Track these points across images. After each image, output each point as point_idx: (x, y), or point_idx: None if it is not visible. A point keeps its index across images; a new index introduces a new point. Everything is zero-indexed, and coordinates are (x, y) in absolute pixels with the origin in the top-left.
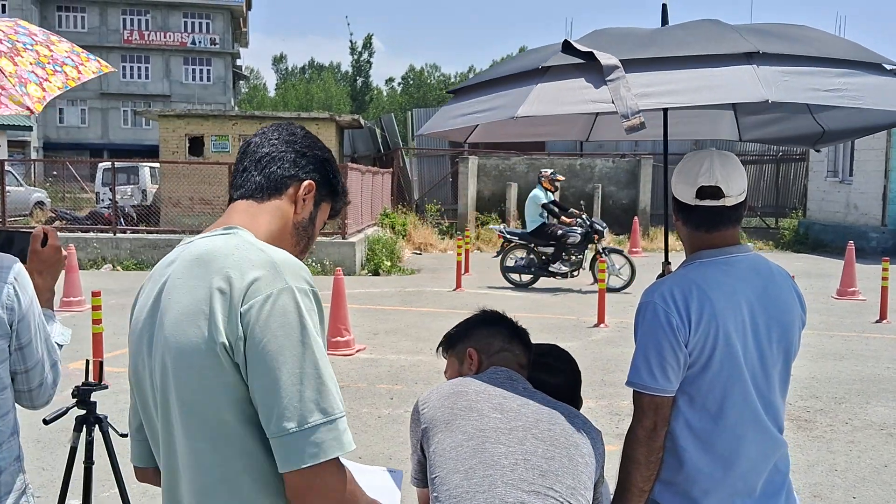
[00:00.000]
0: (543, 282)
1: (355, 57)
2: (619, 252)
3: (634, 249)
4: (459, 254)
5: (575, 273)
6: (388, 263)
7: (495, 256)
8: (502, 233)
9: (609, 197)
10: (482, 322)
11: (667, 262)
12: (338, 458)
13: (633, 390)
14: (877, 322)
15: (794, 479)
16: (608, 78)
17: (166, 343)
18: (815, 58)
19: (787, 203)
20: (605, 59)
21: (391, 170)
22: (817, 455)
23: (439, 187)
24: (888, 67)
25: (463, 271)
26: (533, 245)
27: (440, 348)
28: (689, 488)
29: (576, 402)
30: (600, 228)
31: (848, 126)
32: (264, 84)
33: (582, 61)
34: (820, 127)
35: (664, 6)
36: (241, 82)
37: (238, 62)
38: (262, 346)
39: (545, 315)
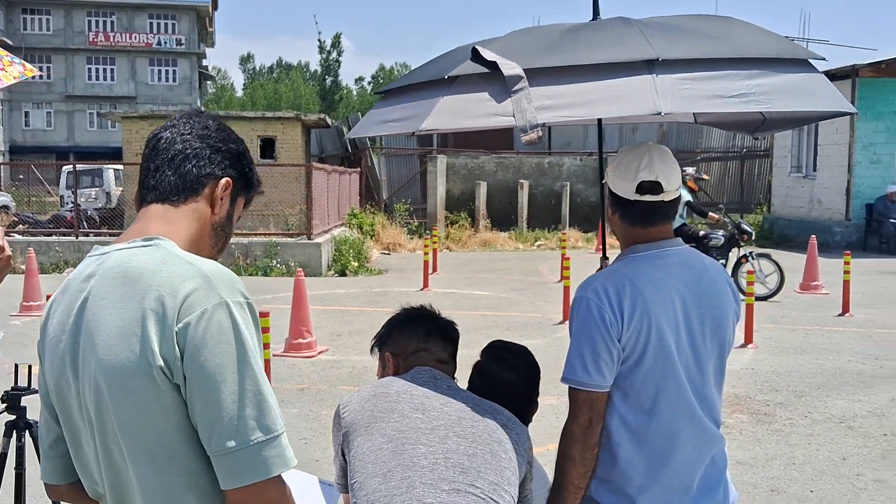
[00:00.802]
0: None
1: (324, 56)
2: (767, 256)
3: (601, 247)
4: (426, 253)
5: None
6: (356, 264)
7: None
8: None
9: (577, 195)
10: (401, 323)
11: (604, 258)
12: (281, 475)
13: (569, 387)
14: (839, 315)
15: (753, 472)
16: (511, 89)
17: (98, 366)
18: (725, 59)
19: (752, 199)
20: (508, 69)
21: (359, 169)
22: (776, 449)
23: (408, 187)
24: (814, 63)
25: (431, 271)
26: None
27: (372, 350)
28: (624, 485)
29: (531, 401)
30: (748, 230)
31: (786, 116)
32: (231, 84)
33: (488, 71)
34: (760, 115)
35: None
36: (207, 83)
37: (204, 62)
38: (200, 365)
39: (511, 313)
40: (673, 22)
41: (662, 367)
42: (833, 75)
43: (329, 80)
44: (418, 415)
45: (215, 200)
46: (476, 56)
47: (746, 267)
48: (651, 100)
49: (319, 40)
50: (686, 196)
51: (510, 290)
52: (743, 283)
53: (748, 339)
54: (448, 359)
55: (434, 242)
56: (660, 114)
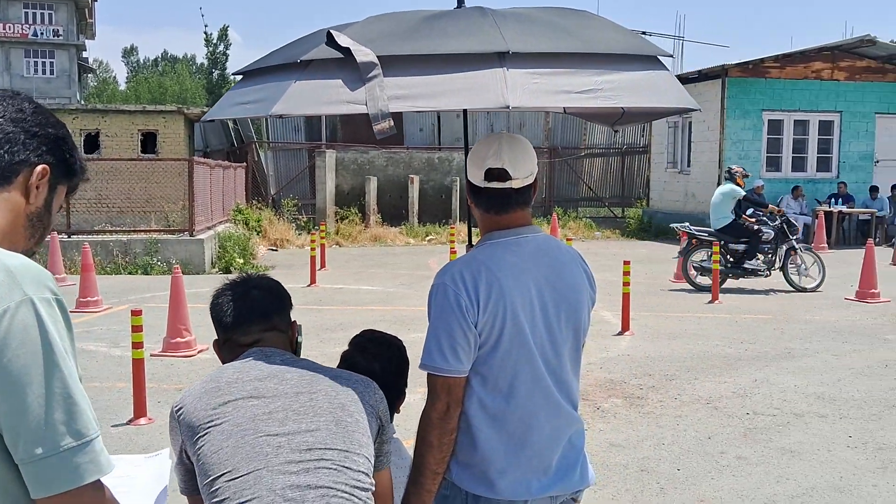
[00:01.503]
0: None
1: (210, 49)
2: (811, 250)
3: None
4: (313, 248)
5: (768, 273)
6: (241, 261)
7: (678, 256)
8: (687, 230)
9: None
10: (211, 313)
11: (470, 245)
12: (98, 480)
13: (427, 373)
14: (709, 303)
15: (624, 454)
16: (365, 77)
17: None
18: (575, 54)
19: (633, 193)
20: (362, 55)
21: (245, 164)
22: (647, 430)
23: (297, 182)
24: (662, 60)
25: (318, 266)
26: (722, 243)
27: None
28: (485, 469)
29: (397, 392)
30: (796, 224)
31: (641, 110)
32: (114, 77)
33: (342, 56)
34: (620, 109)
35: None
36: (88, 76)
37: (84, 55)
38: (2, 367)
39: (399, 307)
40: (529, 14)
41: (518, 351)
42: (705, 74)
43: (216, 73)
44: (253, 402)
45: (30, 189)
46: (331, 41)
47: (793, 260)
48: (500, 93)
49: (206, 33)
50: (740, 192)
51: (399, 285)
52: (794, 278)
53: (625, 326)
54: (261, 335)
55: (322, 237)
56: (508, 107)
